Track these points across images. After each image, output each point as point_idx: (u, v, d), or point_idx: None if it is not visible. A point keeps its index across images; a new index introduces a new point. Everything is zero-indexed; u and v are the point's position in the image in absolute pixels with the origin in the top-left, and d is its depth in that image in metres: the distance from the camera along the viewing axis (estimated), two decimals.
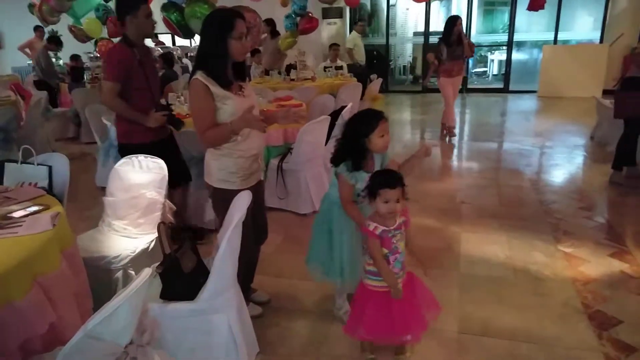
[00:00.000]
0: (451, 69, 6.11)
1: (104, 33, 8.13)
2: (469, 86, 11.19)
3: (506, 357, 2.17)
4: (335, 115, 4.11)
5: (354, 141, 2.06)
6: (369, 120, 2.05)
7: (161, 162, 2.59)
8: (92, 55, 9.60)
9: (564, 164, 5.37)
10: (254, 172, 2.24)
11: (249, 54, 6.84)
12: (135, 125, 2.87)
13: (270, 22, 7.40)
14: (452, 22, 6.00)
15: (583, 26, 11.17)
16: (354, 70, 8.32)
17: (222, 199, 2.12)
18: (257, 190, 2.27)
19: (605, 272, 2.88)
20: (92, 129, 4.79)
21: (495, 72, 12.49)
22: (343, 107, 4.29)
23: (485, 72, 13.03)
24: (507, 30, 10.79)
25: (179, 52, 10.28)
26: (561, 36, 10.46)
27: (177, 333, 1.79)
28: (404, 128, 8.00)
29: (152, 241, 2.46)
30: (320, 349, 2.26)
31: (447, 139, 6.35)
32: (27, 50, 9.05)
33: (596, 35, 10.24)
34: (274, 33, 7.53)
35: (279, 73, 6.75)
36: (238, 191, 2.08)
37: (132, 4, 2.79)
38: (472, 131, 7.43)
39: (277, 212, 3.80)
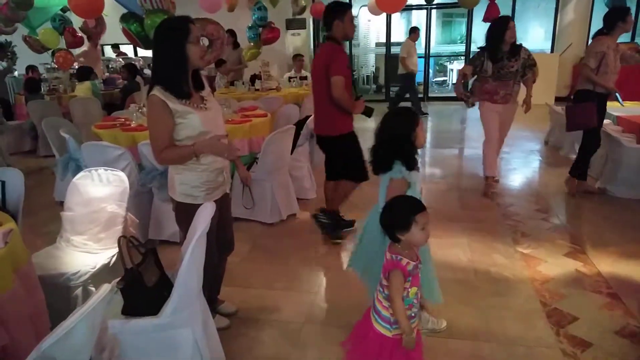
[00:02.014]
0: (494, 91, 4.25)
1: (62, 44, 7.90)
2: (430, 95, 11.52)
3: (469, 358, 2.23)
4: (300, 124, 4.14)
5: (404, 140, 1.96)
6: (411, 116, 2.00)
7: (122, 175, 2.54)
8: (49, 67, 9.29)
9: (521, 168, 5.59)
10: (220, 185, 2.18)
11: (213, 65, 6.81)
12: (343, 118, 3.36)
13: (232, 34, 7.39)
14: (502, 24, 4.06)
15: (535, 36, 11.70)
16: (405, 81, 8.55)
17: (185, 213, 2.07)
18: (223, 203, 2.23)
19: (561, 271, 3.01)
20: (50, 142, 4.63)
21: (454, 82, 12.89)
22: (308, 117, 4.33)
23: (445, 81, 13.46)
24: (465, 41, 11.19)
25: (141, 62, 10.10)
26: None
27: (140, 349, 1.74)
28: (367, 136, 8.12)
29: (113, 256, 2.40)
30: (289, 357, 2.25)
31: (489, 192, 4.45)
32: None
33: (547, 45, 10.76)
34: (235, 44, 7.52)
35: (243, 84, 6.74)
36: (201, 206, 2.06)
37: (341, 10, 3.20)
38: (434, 138, 7.62)
39: (243, 222, 3.77)
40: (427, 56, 11.39)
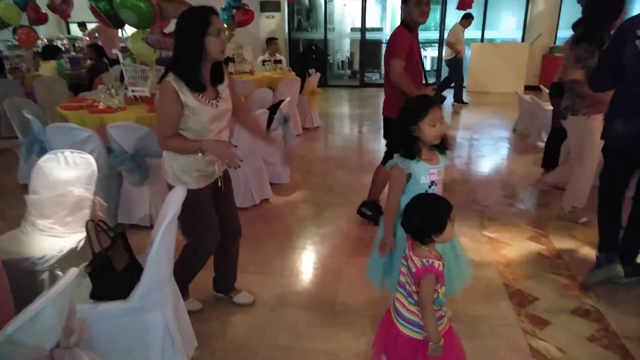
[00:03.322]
0: (605, 99, 2.89)
1: (24, 20, 7.54)
2: None
3: None
4: (273, 109, 4.12)
5: (403, 129, 1.90)
6: (418, 107, 1.89)
7: (89, 158, 2.48)
8: (10, 44, 8.88)
9: (490, 155, 5.74)
10: (211, 174, 2.16)
11: None
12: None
13: None
14: (620, 2, 3.06)
15: (507, 26, 11.87)
16: (454, 66, 8.42)
17: None
18: (220, 191, 2.23)
19: (524, 254, 3.13)
20: (12, 123, 4.45)
21: (428, 69, 12.99)
22: (281, 101, 4.31)
23: None
24: (439, 29, 11.28)
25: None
26: (487, 35, 11.09)
27: (110, 333, 1.74)
28: (342, 122, 8.15)
29: (81, 240, 2.36)
30: (261, 341, 2.28)
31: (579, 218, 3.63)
32: None
33: (518, 35, 10.96)
34: None
35: None
36: (197, 191, 2.07)
37: None
38: None
39: None
40: None
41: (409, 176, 1.91)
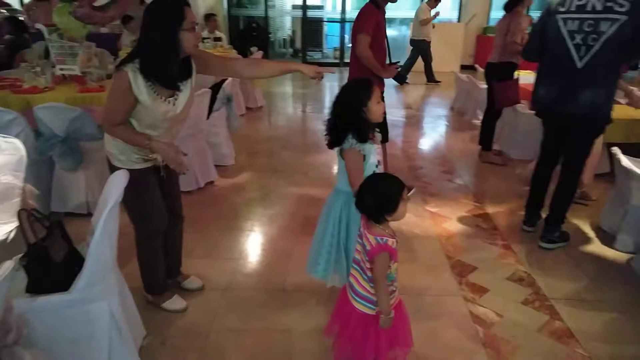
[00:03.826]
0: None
1: None
2: (346, 60, 11.63)
3: None
4: (215, 88, 4.00)
5: (354, 112, 1.88)
6: (364, 88, 1.90)
7: (17, 142, 2.30)
8: None
9: (430, 132, 5.94)
10: (152, 160, 2.05)
11: (118, 21, 6.27)
12: (377, 79, 3.17)
13: None
14: None
15: (443, 5, 12.17)
16: (421, 47, 8.37)
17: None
18: (165, 174, 2.13)
19: (464, 226, 3.30)
20: None
21: None
22: (223, 80, 4.19)
23: None
24: None
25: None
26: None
27: (52, 327, 1.64)
28: (286, 101, 8.08)
29: (11, 231, 2.19)
30: (212, 324, 2.26)
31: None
32: None
33: (454, 15, 11.28)
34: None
35: None
36: (138, 171, 1.99)
37: None
38: None
39: None
40: (342, 21, 11.43)
41: (364, 158, 1.94)
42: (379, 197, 1.64)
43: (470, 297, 2.49)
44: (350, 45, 3.53)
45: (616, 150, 2.99)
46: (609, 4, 2.50)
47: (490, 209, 3.57)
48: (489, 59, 4.44)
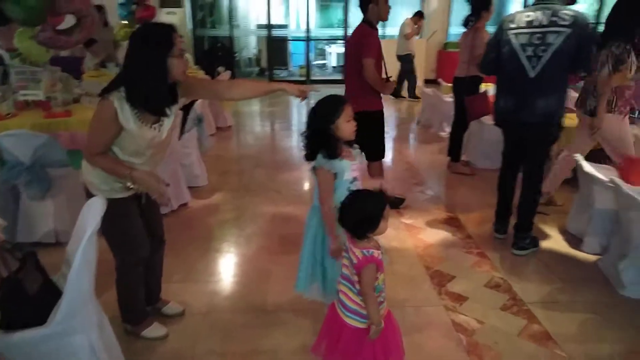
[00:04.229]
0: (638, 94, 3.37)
1: None
2: (312, 77, 11.81)
3: None
4: (186, 109, 3.97)
5: (322, 129, 1.90)
6: (333, 106, 1.92)
7: None
8: None
9: (398, 146, 6.06)
10: (132, 189, 1.99)
11: (82, 45, 6.13)
12: (375, 96, 3.49)
13: (100, 9, 6.70)
14: None
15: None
16: (408, 62, 8.50)
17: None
18: (146, 202, 2.11)
19: (439, 236, 3.37)
20: None
21: (334, 64, 13.33)
22: (194, 101, 4.16)
23: (325, 64, 13.85)
24: (343, 25, 11.61)
25: None
26: (388, 31, 11.64)
27: None
28: (254, 120, 8.09)
29: None
30: (195, 349, 2.21)
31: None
32: None
33: None
34: (105, 22, 6.85)
35: (117, 65, 6.18)
36: (121, 199, 1.95)
37: None
38: None
39: None
40: (307, 39, 11.60)
41: (335, 175, 1.95)
42: (360, 215, 1.66)
43: (451, 305, 2.53)
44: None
45: (578, 157, 3.15)
46: (553, 18, 2.72)
47: (463, 218, 3.66)
48: (455, 74, 4.60)
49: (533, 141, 2.96)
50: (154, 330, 2.28)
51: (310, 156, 1.97)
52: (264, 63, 12.51)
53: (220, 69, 7.02)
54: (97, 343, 1.71)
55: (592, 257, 3.03)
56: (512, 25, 2.88)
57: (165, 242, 2.39)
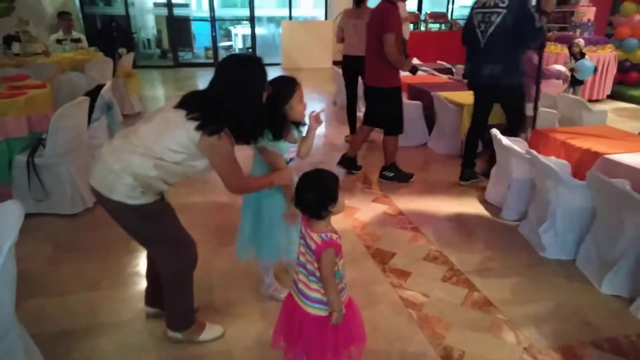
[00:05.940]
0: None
1: None
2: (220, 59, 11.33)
3: None
4: (92, 95, 3.56)
5: (274, 109, 1.88)
6: (287, 86, 1.93)
7: None
8: None
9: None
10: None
11: None
12: (395, 71, 3.70)
13: None
14: None
15: (309, 3, 12.54)
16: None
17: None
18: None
19: (373, 215, 3.43)
20: None
21: (240, 46, 12.93)
22: (100, 86, 3.75)
23: (231, 46, 13.37)
24: (248, 6, 11.25)
25: None
26: (294, 13, 11.54)
27: None
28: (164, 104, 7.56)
29: None
30: (140, 354, 2.01)
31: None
32: None
33: (321, 13, 11.69)
34: None
35: None
36: (158, 202, 1.90)
37: None
38: None
39: (37, 218, 3.12)
40: (212, 19, 11.07)
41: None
42: (320, 189, 1.61)
43: (397, 282, 2.59)
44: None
45: (495, 131, 3.37)
46: (496, 1, 3.43)
47: (393, 196, 3.76)
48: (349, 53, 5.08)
49: (487, 99, 3.74)
50: (210, 331, 2.11)
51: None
52: (165, 44, 11.74)
53: (121, 50, 6.41)
54: None
55: (512, 224, 3.28)
56: (476, 6, 3.60)
57: None
